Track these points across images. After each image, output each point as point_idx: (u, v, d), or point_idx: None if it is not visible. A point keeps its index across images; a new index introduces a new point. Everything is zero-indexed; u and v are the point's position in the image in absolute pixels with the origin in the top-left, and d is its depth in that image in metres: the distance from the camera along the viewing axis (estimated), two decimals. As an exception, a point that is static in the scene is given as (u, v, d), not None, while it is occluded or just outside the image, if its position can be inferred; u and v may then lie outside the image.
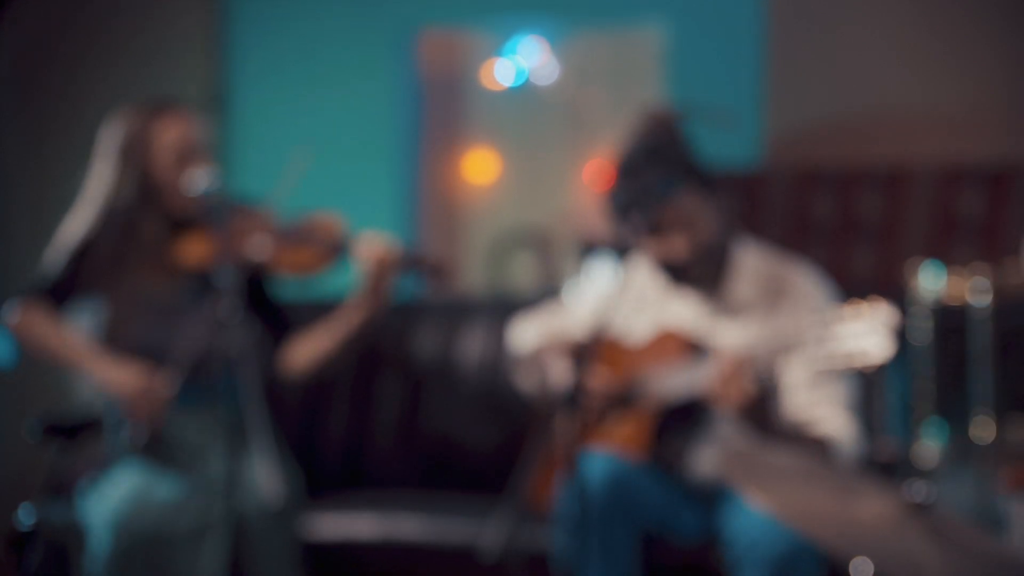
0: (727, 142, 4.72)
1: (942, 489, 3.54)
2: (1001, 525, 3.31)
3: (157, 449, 3.18)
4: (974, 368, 3.74)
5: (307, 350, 3.29)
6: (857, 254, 4.75)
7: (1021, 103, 4.88)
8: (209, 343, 3.05)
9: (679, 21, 5.17)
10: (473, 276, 5.82)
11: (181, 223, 3.23)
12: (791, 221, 4.77)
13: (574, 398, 2.50)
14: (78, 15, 5.29)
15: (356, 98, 5.29)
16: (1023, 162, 4.67)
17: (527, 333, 3.28)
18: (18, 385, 4.97)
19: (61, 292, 3.20)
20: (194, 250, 3.20)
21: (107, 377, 3.10)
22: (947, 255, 4.58)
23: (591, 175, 5.66)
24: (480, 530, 3.08)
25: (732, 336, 3.03)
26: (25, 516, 3.23)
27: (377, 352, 3.71)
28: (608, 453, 2.94)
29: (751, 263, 3.09)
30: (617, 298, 3.10)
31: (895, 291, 3.74)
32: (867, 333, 2.64)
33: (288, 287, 3.40)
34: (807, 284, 3.06)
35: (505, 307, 3.70)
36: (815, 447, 2.90)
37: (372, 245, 3.22)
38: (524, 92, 5.74)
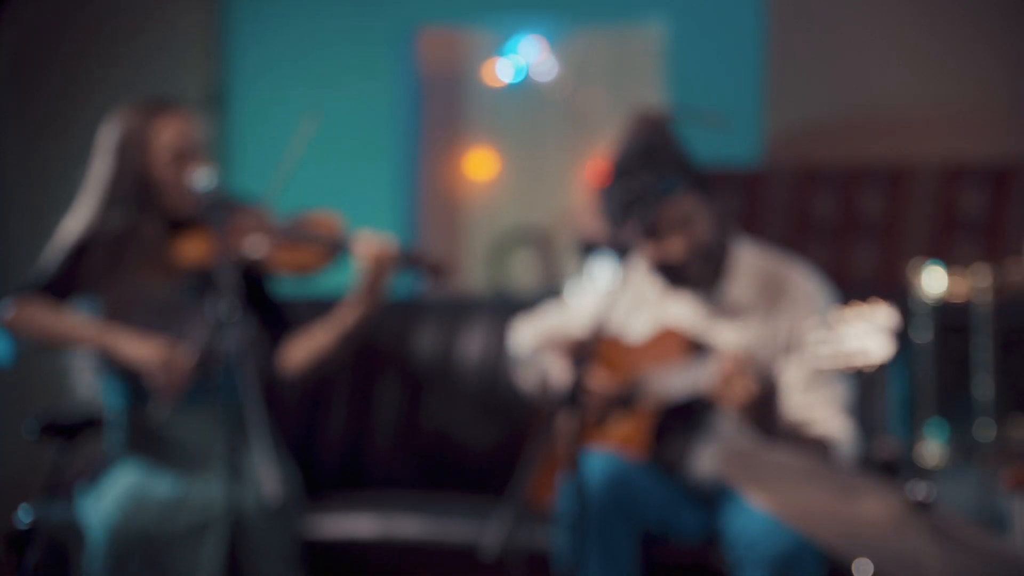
0: (727, 140, 4.72)
1: (943, 488, 3.53)
2: (1002, 524, 3.30)
3: (156, 448, 3.18)
4: (975, 367, 3.73)
5: (305, 349, 3.29)
6: (858, 253, 4.74)
7: (1022, 101, 4.87)
8: (208, 342, 3.05)
9: (679, 19, 5.16)
10: (473, 275, 5.81)
11: (180, 222, 3.22)
12: (792, 220, 4.76)
13: (575, 397, 2.49)
14: (77, 14, 5.29)
15: (355, 97, 5.29)
16: (1024, 160, 4.66)
17: (528, 333, 3.28)
18: (17, 384, 4.97)
19: (58, 290, 3.19)
20: (193, 249, 3.20)
21: (129, 350, 3.09)
22: (948, 254, 4.57)
23: (591, 174, 5.66)
24: (480, 529, 3.07)
25: (730, 336, 3.02)
26: (24, 515, 3.23)
27: (377, 351, 3.70)
28: (608, 452, 2.94)
29: (749, 263, 3.08)
30: (617, 297, 3.09)
31: (896, 290, 3.73)
32: (868, 333, 2.63)
33: (286, 285, 3.40)
34: (806, 283, 3.05)
35: (505, 306, 3.70)
36: (815, 447, 2.89)
37: (370, 243, 3.22)
38: (524, 91, 5.74)
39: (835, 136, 5.03)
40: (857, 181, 4.74)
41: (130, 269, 3.18)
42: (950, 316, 3.79)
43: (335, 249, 3.23)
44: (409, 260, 3.28)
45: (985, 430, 3.70)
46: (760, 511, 2.74)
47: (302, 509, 3.23)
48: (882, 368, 3.17)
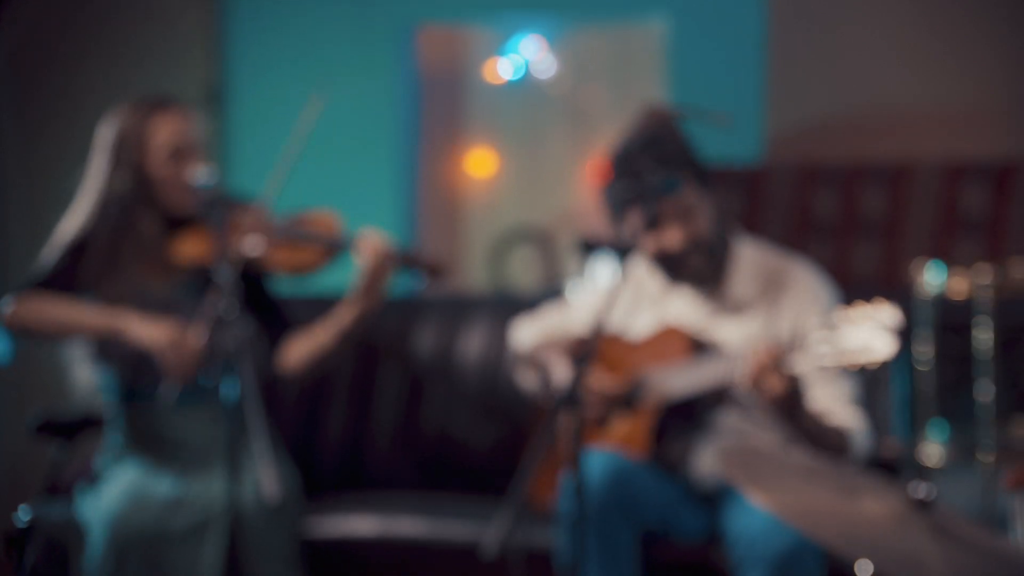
0: (728, 139, 4.71)
1: (944, 488, 3.53)
2: (1003, 524, 3.30)
3: (155, 447, 3.17)
4: (977, 367, 3.73)
5: (304, 347, 3.28)
6: (859, 252, 4.73)
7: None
8: (208, 340, 3.04)
9: (680, 17, 5.15)
10: (473, 274, 5.81)
11: (178, 220, 3.22)
12: (793, 218, 4.76)
13: (575, 396, 2.48)
14: (76, 14, 5.29)
15: (355, 95, 5.28)
16: (1026, 159, 4.66)
17: (528, 332, 3.27)
18: (16, 384, 4.97)
19: (56, 288, 3.18)
20: (191, 247, 3.19)
21: (139, 332, 3.09)
22: (950, 252, 4.57)
23: (592, 172, 5.65)
24: (480, 529, 3.06)
25: (733, 333, 3.02)
26: (24, 514, 3.22)
27: (377, 350, 3.69)
28: (609, 451, 2.93)
29: (750, 259, 3.07)
30: (618, 294, 3.08)
31: (898, 289, 3.73)
32: (870, 332, 2.63)
33: (285, 284, 3.39)
34: (809, 279, 3.05)
35: (505, 305, 3.69)
36: (836, 436, 2.89)
37: (370, 241, 3.21)
38: (524, 89, 5.73)
39: (836, 134, 5.02)
40: (858, 180, 4.73)
41: (128, 267, 3.18)
42: (951, 315, 3.79)
43: (334, 248, 3.23)
44: (408, 260, 3.27)
45: (986, 429, 3.69)
46: (761, 510, 2.74)
47: (301, 508, 3.22)
48: (884, 367, 3.17)
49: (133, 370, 3.16)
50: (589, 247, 4.67)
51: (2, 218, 5.12)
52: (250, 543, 3.05)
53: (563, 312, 3.27)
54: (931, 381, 3.75)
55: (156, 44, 5.28)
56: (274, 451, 3.02)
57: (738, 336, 3.01)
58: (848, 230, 4.73)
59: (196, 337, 3.07)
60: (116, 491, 3.09)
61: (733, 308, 3.05)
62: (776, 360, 2.76)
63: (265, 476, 2.74)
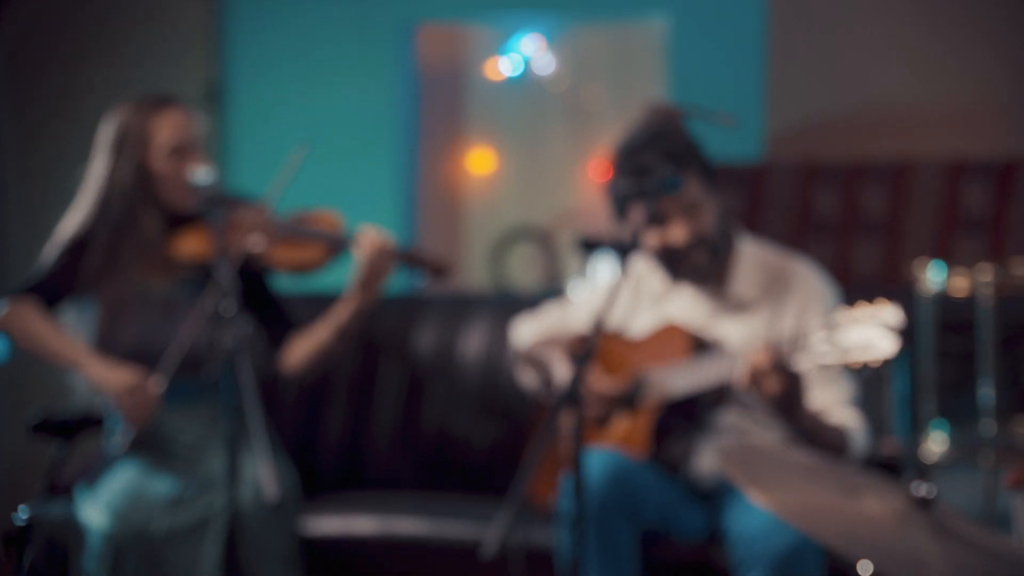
0: (729, 137, 4.71)
1: (945, 487, 3.52)
2: (1004, 523, 3.29)
3: (154, 446, 3.17)
4: (978, 366, 3.72)
5: (305, 346, 3.28)
6: (860, 250, 4.73)
7: (1025, 98, 4.87)
8: (206, 339, 3.04)
9: (681, 16, 5.15)
10: (473, 272, 5.81)
11: (178, 218, 3.21)
12: (794, 216, 4.75)
13: (576, 395, 2.48)
14: (76, 14, 5.29)
15: (355, 94, 5.28)
16: (1027, 157, 4.65)
17: (528, 330, 3.27)
18: (16, 383, 4.96)
19: (56, 288, 3.18)
20: (191, 245, 3.19)
21: (98, 376, 3.09)
22: (951, 251, 4.57)
23: (593, 171, 5.65)
24: (480, 528, 3.06)
25: (735, 331, 3.01)
26: (23, 514, 3.22)
27: (377, 348, 3.69)
28: (609, 451, 2.93)
29: (753, 258, 3.07)
30: (619, 292, 3.08)
31: (899, 287, 3.72)
32: (871, 331, 2.62)
33: (286, 282, 3.39)
34: (811, 278, 3.04)
35: (506, 303, 3.68)
36: (835, 435, 2.88)
37: (369, 235, 3.21)
38: (525, 88, 5.73)
39: (837, 133, 5.02)
40: (859, 178, 4.73)
41: (129, 265, 3.18)
42: (952, 314, 3.78)
43: (335, 246, 3.23)
44: (410, 259, 3.27)
45: (988, 428, 3.69)
46: (761, 509, 2.73)
47: (300, 508, 3.22)
48: (885, 366, 3.16)
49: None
50: (589, 246, 4.67)
51: (2, 218, 5.12)
52: (249, 542, 3.05)
53: (563, 311, 3.27)
54: (932, 380, 3.74)
55: (156, 44, 5.28)
56: (273, 450, 3.02)
57: (740, 335, 3.00)
58: (849, 229, 4.72)
59: (154, 385, 3.07)
60: (116, 491, 3.09)
61: (735, 306, 3.05)
62: (775, 359, 2.75)
63: (264, 475, 2.74)
